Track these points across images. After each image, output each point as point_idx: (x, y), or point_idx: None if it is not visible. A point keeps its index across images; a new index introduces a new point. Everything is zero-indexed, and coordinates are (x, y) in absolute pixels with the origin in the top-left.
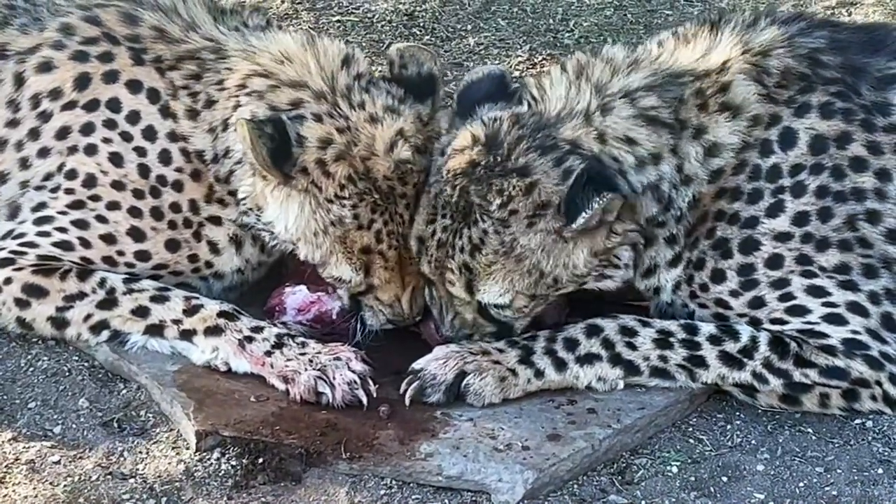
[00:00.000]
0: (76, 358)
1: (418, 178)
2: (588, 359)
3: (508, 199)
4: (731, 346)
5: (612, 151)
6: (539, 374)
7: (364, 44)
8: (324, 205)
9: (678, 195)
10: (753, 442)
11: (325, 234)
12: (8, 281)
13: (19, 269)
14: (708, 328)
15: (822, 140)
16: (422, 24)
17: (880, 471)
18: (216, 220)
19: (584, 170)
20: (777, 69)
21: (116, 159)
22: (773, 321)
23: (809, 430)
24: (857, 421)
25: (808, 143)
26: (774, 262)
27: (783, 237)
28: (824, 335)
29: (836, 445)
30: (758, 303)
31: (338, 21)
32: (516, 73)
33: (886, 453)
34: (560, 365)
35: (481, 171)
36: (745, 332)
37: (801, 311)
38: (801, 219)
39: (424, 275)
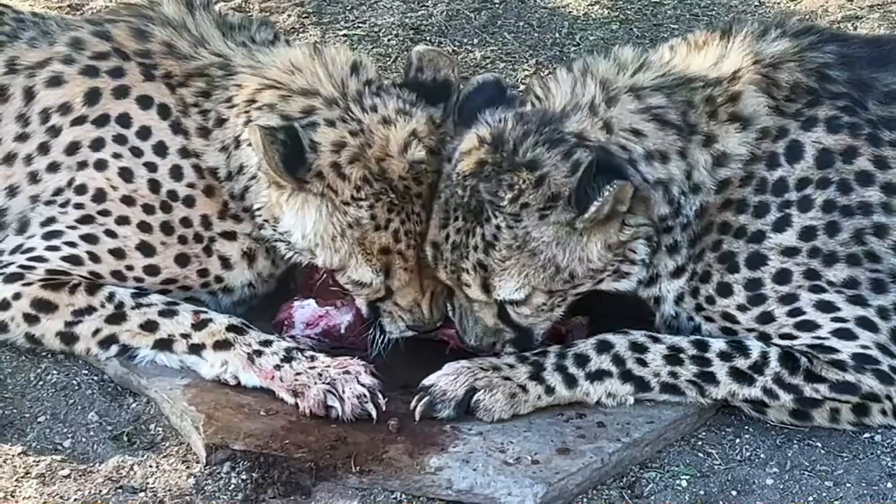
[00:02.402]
0: (86, 372)
1: (432, 179)
2: (598, 375)
3: (519, 192)
4: (741, 362)
5: (619, 141)
6: (549, 390)
7: (370, 57)
8: (340, 207)
9: (687, 202)
10: (763, 456)
11: (343, 238)
12: (17, 296)
13: (28, 283)
14: (718, 344)
15: (828, 154)
16: (428, 38)
17: (889, 485)
18: (230, 236)
19: (593, 161)
20: (787, 83)
21: (126, 174)
22: (783, 336)
23: (818, 444)
24: (867, 435)
25: (815, 156)
26: (782, 277)
27: (791, 252)
28: (834, 350)
29: (846, 459)
30: (766, 318)
31: (344, 35)
32: (522, 87)
33: (895, 467)
34: (570, 381)
35: (490, 168)
36: (756, 347)
37: (810, 326)
38: (808, 233)
39: (443, 282)
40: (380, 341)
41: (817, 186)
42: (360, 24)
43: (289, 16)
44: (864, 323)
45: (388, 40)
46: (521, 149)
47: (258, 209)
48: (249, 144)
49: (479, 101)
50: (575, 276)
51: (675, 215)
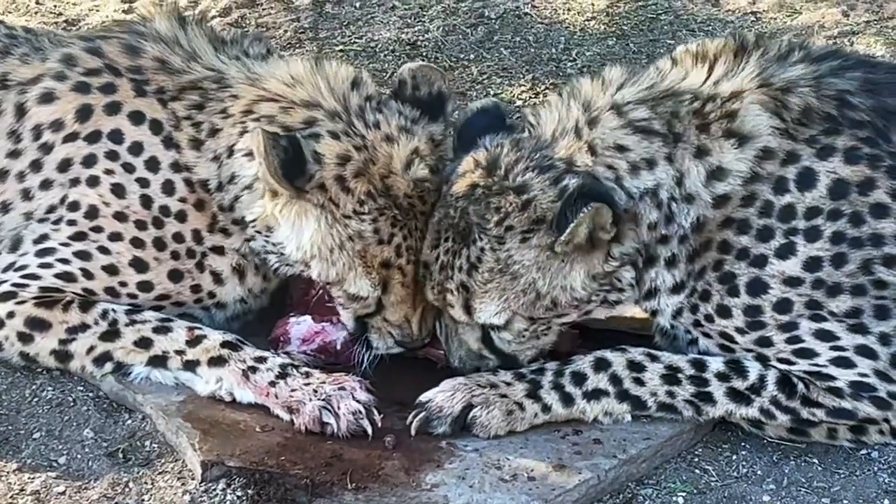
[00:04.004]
0: (81, 388)
1: (434, 198)
2: (595, 394)
3: (505, 215)
4: (738, 383)
5: (604, 161)
6: (546, 408)
7: (368, 73)
8: (341, 220)
9: (679, 209)
10: (759, 472)
11: (342, 250)
12: (10, 315)
13: (21, 302)
14: (716, 364)
15: (844, 185)
16: (424, 54)
17: (886, 501)
18: (219, 250)
19: (578, 186)
20: (798, 106)
21: (119, 190)
22: (780, 360)
23: (815, 460)
24: (863, 451)
25: (829, 186)
26: (783, 306)
27: (793, 282)
28: (832, 377)
29: (842, 476)
30: (765, 342)
31: (341, 50)
32: (519, 103)
33: (892, 484)
34: (567, 400)
35: (480, 191)
36: (754, 369)
37: (808, 353)
38: (813, 264)
39: (431, 302)
40: (366, 357)
41: (828, 217)
42: (357, 40)
43: (285, 31)
44: (864, 351)
45: (385, 56)
46: (511, 173)
47: (251, 220)
48: (245, 154)
49: (479, 127)
50: (558, 305)
51: (668, 222)
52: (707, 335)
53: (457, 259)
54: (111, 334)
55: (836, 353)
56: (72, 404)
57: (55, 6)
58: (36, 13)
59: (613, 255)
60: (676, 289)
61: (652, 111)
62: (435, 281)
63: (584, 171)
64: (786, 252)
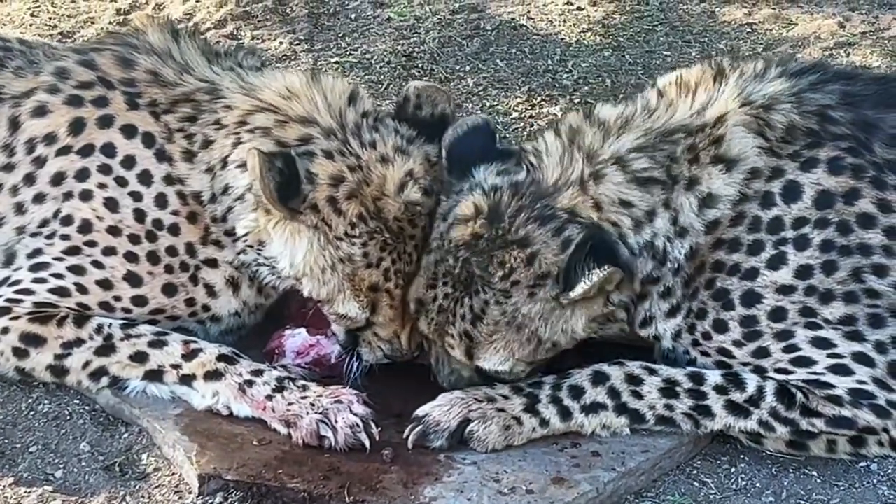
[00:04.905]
0: (77, 401)
1: (426, 221)
2: (593, 408)
3: (510, 270)
4: (737, 396)
5: (609, 217)
6: (544, 422)
7: (362, 85)
8: (333, 242)
9: (673, 248)
10: (758, 485)
11: (333, 271)
12: (5, 331)
13: (16, 317)
14: (714, 377)
15: (829, 195)
16: (420, 66)
17: None
18: (212, 263)
19: (585, 238)
20: (781, 123)
21: (112, 204)
22: (778, 371)
23: (814, 472)
24: (862, 464)
25: (813, 197)
26: (777, 314)
27: (786, 290)
28: (830, 385)
29: (842, 488)
30: (762, 353)
31: (336, 62)
32: (515, 114)
33: (892, 496)
34: (565, 414)
35: (483, 243)
36: (752, 381)
37: (806, 361)
38: (804, 272)
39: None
40: (356, 368)
41: (815, 226)
42: (353, 52)
43: (280, 43)
44: (861, 358)
45: (381, 67)
46: (514, 224)
47: (243, 233)
48: (238, 166)
49: (469, 146)
50: (557, 345)
51: (662, 264)
52: (705, 353)
53: (458, 307)
54: (106, 349)
55: (833, 361)
56: (68, 418)
57: (50, 19)
58: (31, 25)
59: (612, 301)
60: (672, 312)
61: (651, 160)
62: (432, 320)
63: (588, 223)
64: (776, 262)
